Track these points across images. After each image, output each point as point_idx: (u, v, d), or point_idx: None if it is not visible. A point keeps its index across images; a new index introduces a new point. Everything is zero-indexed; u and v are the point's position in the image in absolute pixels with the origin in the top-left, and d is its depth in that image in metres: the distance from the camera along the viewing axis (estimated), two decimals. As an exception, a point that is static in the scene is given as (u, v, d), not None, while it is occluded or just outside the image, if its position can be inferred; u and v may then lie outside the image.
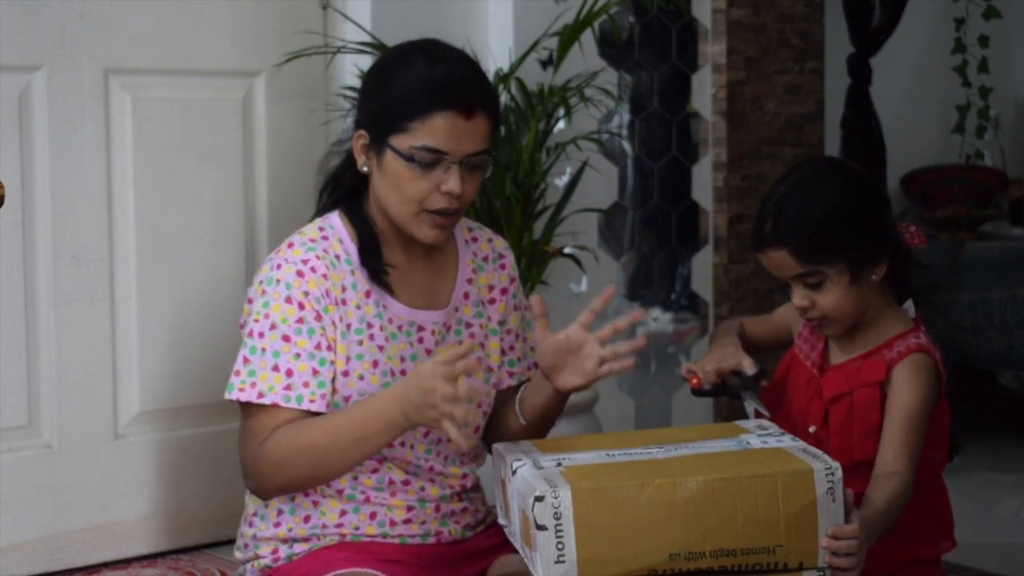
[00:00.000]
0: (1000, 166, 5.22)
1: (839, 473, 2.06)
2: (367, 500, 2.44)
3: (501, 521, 2.29)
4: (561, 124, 3.92)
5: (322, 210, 2.54)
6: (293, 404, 2.37)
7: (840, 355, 2.52)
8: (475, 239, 2.60)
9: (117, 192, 3.38)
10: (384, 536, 2.45)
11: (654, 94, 4.47)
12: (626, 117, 4.42)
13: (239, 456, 2.43)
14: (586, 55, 3.82)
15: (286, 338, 2.38)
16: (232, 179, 3.55)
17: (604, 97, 3.81)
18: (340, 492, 2.44)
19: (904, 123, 5.18)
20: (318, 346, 2.39)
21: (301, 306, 2.38)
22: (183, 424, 3.50)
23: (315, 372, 2.38)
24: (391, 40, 3.51)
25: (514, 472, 2.11)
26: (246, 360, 2.39)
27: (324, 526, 2.45)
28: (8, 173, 3.17)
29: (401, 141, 2.37)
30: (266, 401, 2.36)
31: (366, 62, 3.65)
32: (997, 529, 3.72)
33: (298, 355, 2.38)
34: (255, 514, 2.51)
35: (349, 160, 2.52)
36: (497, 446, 2.28)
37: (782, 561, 2.05)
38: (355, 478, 2.44)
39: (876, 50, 5.05)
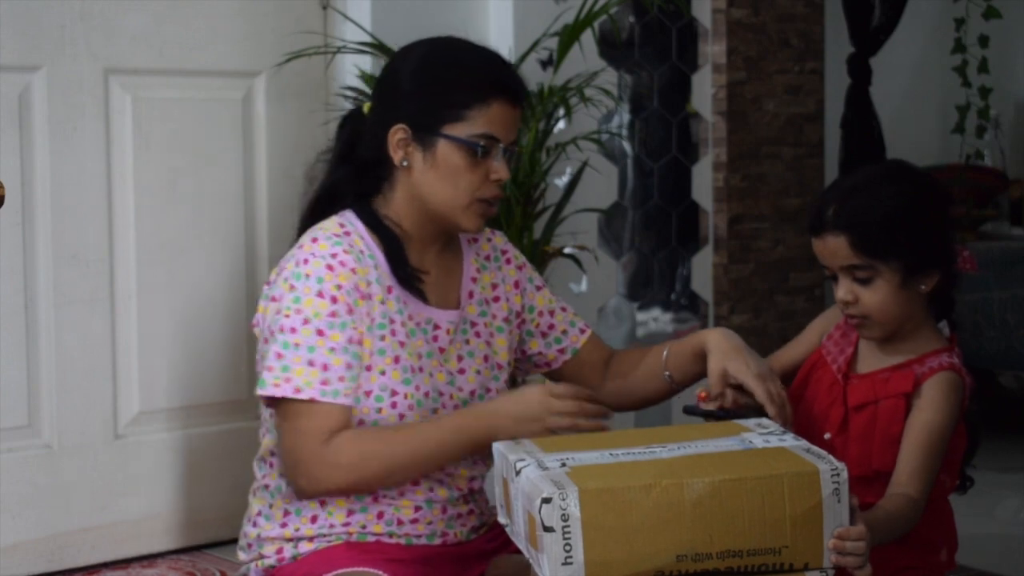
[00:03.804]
0: (1000, 166, 5.23)
1: (844, 474, 2.05)
2: (375, 500, 2.44)
3: (501, 520, 2.28)
4: (561, 124, 3.92)
5: (322, 214, 2.53)
6: (330, 399, 2.35)
7: (869, 363, 2.47)
8: (475, 239, 2.62)
9: (117, 192, 3.37)
10: (390, 535, 2.45)
11: (654, 94, 4.46)
12: (626, 117, 4.42)
13: (284, 455, 2.38)
14: (586, 55, 3.82)
15: (320, 332, 2.36)
16: (232, 179, 3.55)
17: (604, 97, 3.81)
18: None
19: (904, 123, 5.18)
20: (350, 340, 2.38)
21: (334, 300, 2.37)
22: (183, 424, 3.50)
23: (348, 366, 2.37)
24: (391, 40, 3.52)
25: (518, 472, 2.11)
26: (279, 355, 2.36)
27: (331, 526, 2.44)
28: (8, 173, 3.17)
29: (458, 130, 2.40)
30: (303, 396, 2.34)
31: (366, 62, 3.65)
32: (997, 529, 3.72)
33: (332, 349, 2.36)
34: (259, 514, 2.51)
35: (363, 160, 2.51)
36: (498, 445, 2.27)
37: (787, 562, 2.04)
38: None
39: (876, 50, 5.05)
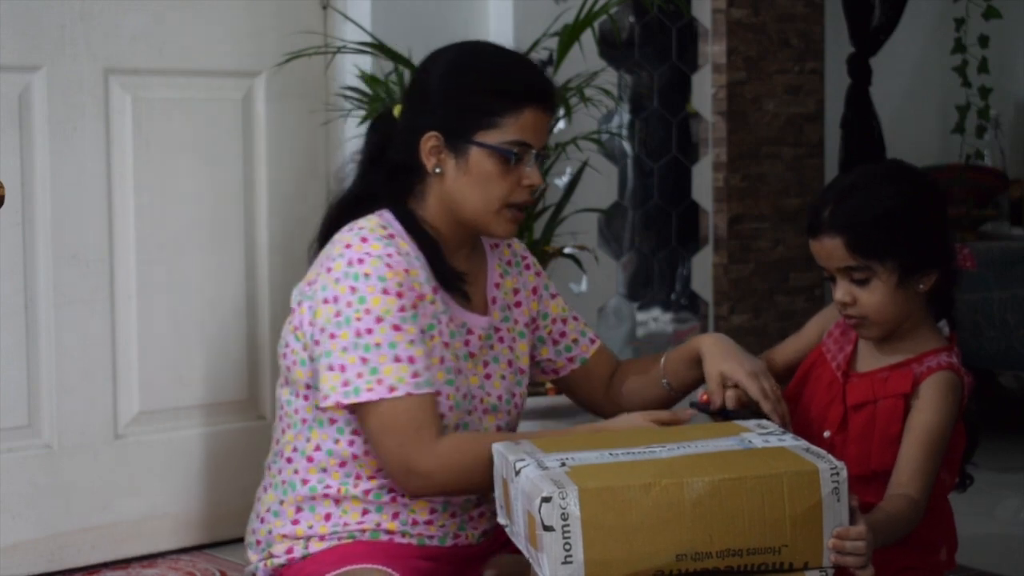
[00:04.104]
0: (1000, 166, 5.22)
1: (844, 473, 2.05)
2: (393, 500, 2.44)
3: (501, 520, 2.29)
4: (561, 124, 3.92)
5: (352, 215, 2.52)
6: (424, 389, 2.36)
7: (869, 362, 2.47)
8: (496, 245, 2.63)
9: (117, 192, 3.37)
10: (404, 534, 2.45)
11: (654, 94, 4.47)
12: (626, 117, 4.42)
13: (390, 456, 2.37)
14: (586, 55, 3.82)
15: (396, 328, 2.36)
16: (232, 179, 3.55)
17: (604, 97, 3.81)
18: (367, 493, 2.44)
19: (904, 123, 5.18)
20: (421, 331, 2.39)
21: (399, 295, 2.37)
22: (183, 424, 3.49)
23: (427, 355, 2.38)
24: (391, 40, 3.53)
25: (518, 472, 2.11)
26: (364, 360, 2.35)
27: (345, 524, 2.44)
28: (8, 173, 3.17)
29: (491, 137, 2.41)
30: (399, 393, 2.34)
31: (366, 62, 3.65)
32: (997, 529, 3.71)
33: (412, 341, 2.36)
34: (269, 511, 2.50)
35: (394, 164, 2.51)
36: (498, 446, 2.28)
37: (787, 561, 2.05)
38: (387, 477, 2.44)
39: (876, 50, 5.05)
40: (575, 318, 2.71)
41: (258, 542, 2.52)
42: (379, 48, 3.49)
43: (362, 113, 3.57)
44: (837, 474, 2.05)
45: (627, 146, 4.41)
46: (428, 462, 2.34)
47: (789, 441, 2.19)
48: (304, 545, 2.45)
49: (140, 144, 3.39)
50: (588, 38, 3.73)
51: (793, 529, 2.04)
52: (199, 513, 3.51)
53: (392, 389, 2.34)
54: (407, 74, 3.58)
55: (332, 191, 2.65)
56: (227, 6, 3.53)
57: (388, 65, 3.60)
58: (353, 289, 2.36)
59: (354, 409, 2.40)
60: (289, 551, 2.46)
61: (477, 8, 3.96)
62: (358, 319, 2.36)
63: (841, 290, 2.41)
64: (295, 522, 2.46)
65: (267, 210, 3.60)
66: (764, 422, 2.34)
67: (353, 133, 3.63)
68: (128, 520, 3.41)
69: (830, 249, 2.38)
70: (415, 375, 2.35)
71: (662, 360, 2.66)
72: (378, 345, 2.34)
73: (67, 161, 3.28)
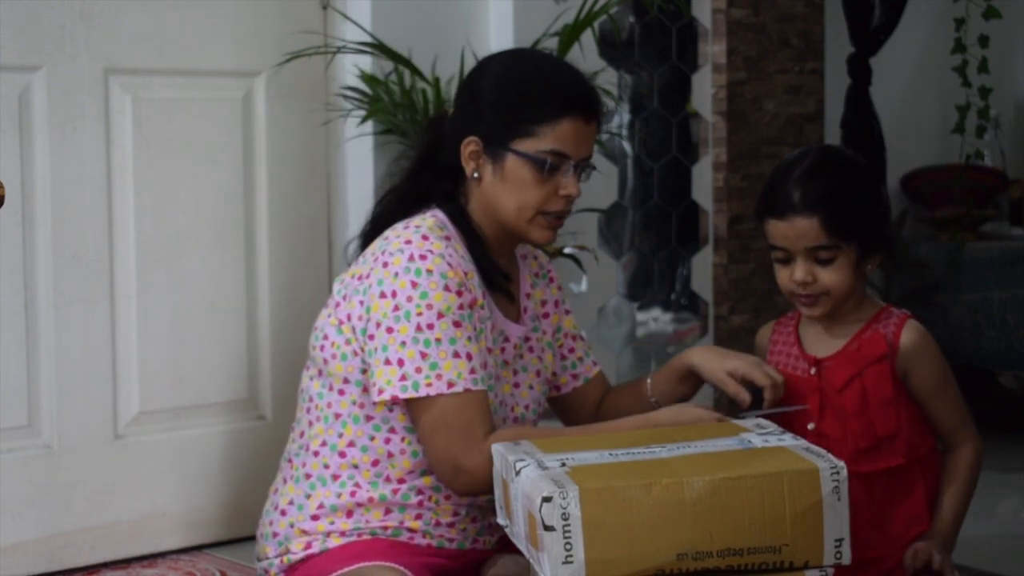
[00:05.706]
0: (1000, 166, 5.22)
1: (844, 472, 2.06)
2: (420, 504, 2.45)
3: (500, 521, 2.29)
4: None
5: (402, 213, 2.52)
6: (480, 386, 2.37)
7: (828, 346, 2.54)
8: (524, 256, 2.66)
9: (117, 192, 3.37)
10: (425, 534, 2.45)
11: (654, 94, 4.46)
12: (626, 117, 4.42)
13: (438, 453, 2.38)
14: (586, 55, 3.81)
15: (456, 324, 2.37)
16: (232, 179, 3.55)
17: (604, 97, 3.80)
18: (395, 492, 2.44)
19: (904, 123, 5.17)
20: (476, 329, 2.41)
21: (459, 293, 2.39)
22: (183, 424, 3.49)
23: (481, 353, 2.40)
24: (391, 40, 3.53)
25: (518, 473, 2.11)
26: (424, 355, 2.36)
27: (367, 521, 2.45)
28: (8, 173, 3.17)
29: (526, 145, 2.43)
30: (458, 389, 2.35)
31: (366, 62, 3.65)
32: (997, 529, 3.72)
33: (470, 338, 2.38)
34: (292, 503, 2.50)
35: (442, 166, 2.53)
36: (497, 446, 2.29)
37: (788, 560, 2.05)
38: (420, 476, 2.44)
39: (876, 50, 5.04)
40: (582, 337, 2.75)
41: (275, 534, 2.52)
42: (379, 48, 3.49)
43: (362, 113, 3.57)
44: (837, 473, 2.06)
45: (627, 146, 4.41)
46: (476, 459, 2.35)
47: (789, 441, 2.19)
48: (323, 540, 2.46)
49: (140, 144, 3.39)
50: (588, 38, 3.73)
51: (793, 528, 2.04)
52: (199, 513, 3.51)
53: (451, 384, 2.35)
54: (407, 74, 3.58)
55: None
56: (227, 6, 3.53)
57: (388, 65, 3.60)
58: (415, 284, 2.37)
59: (409, 404, 2.40)
60: (307, 546, 2.46)
61: (477, 8, 3.95)
62: (419, 314, 2.36)
63: (802, 270, 2.47)
64: (315, 517, 2.47)
65: (267, 210, 3.60)
66: (763, 422, 2.34)
67: (353, 133, 3.63)
68: (128, 520, 3.41)
69: (803, 229, 2.44)
70: (472, 371, 2.37)
71: (648, 381, 2.68)
72: (439, 341, 2.35)
73: (67, 161, 3.28)
